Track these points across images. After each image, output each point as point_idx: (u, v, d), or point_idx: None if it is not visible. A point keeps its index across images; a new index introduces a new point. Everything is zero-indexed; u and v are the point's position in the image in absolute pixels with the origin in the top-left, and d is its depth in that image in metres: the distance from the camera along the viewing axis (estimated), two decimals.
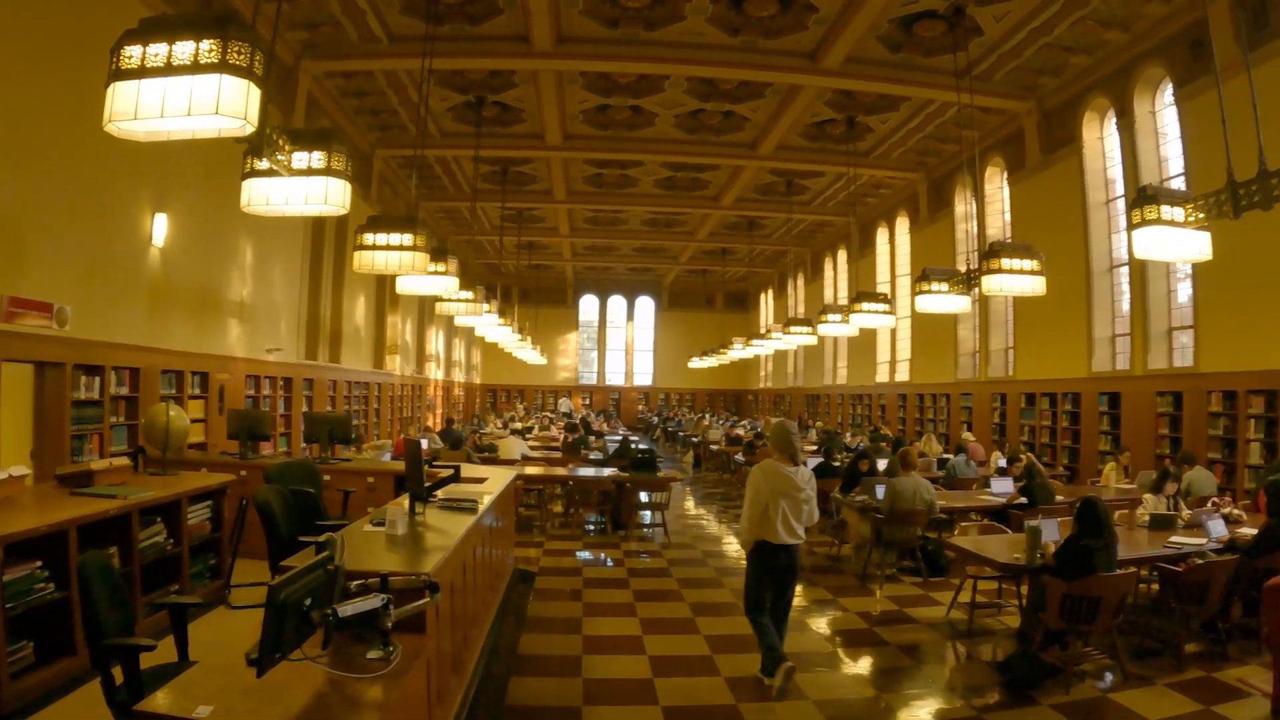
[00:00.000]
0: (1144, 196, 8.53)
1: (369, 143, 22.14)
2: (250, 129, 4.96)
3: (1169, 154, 16.81)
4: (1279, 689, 6.73)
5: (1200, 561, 8.12)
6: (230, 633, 3.91)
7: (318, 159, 6.88)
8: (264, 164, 6.58)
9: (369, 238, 10.10)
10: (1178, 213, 8.42)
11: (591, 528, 15.13)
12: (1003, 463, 15.11)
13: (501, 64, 17.42)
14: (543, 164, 25.25)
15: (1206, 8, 10.44)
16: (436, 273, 12.42)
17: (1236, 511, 10.25)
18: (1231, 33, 13.11)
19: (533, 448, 20.49)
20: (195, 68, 4.70)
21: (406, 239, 10.08)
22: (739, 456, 22.75)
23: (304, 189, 6.93)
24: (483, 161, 23.42)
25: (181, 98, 4.70)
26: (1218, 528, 9.12)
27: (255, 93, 4.87)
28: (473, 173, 24.60)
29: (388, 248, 10.09)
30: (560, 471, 15.96)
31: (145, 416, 10.99)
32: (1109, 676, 7.70)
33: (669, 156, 23.95)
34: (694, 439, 30.77)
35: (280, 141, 6.18)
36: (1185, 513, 10.18)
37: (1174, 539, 9.15)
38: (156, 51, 4.68)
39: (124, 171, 11.74)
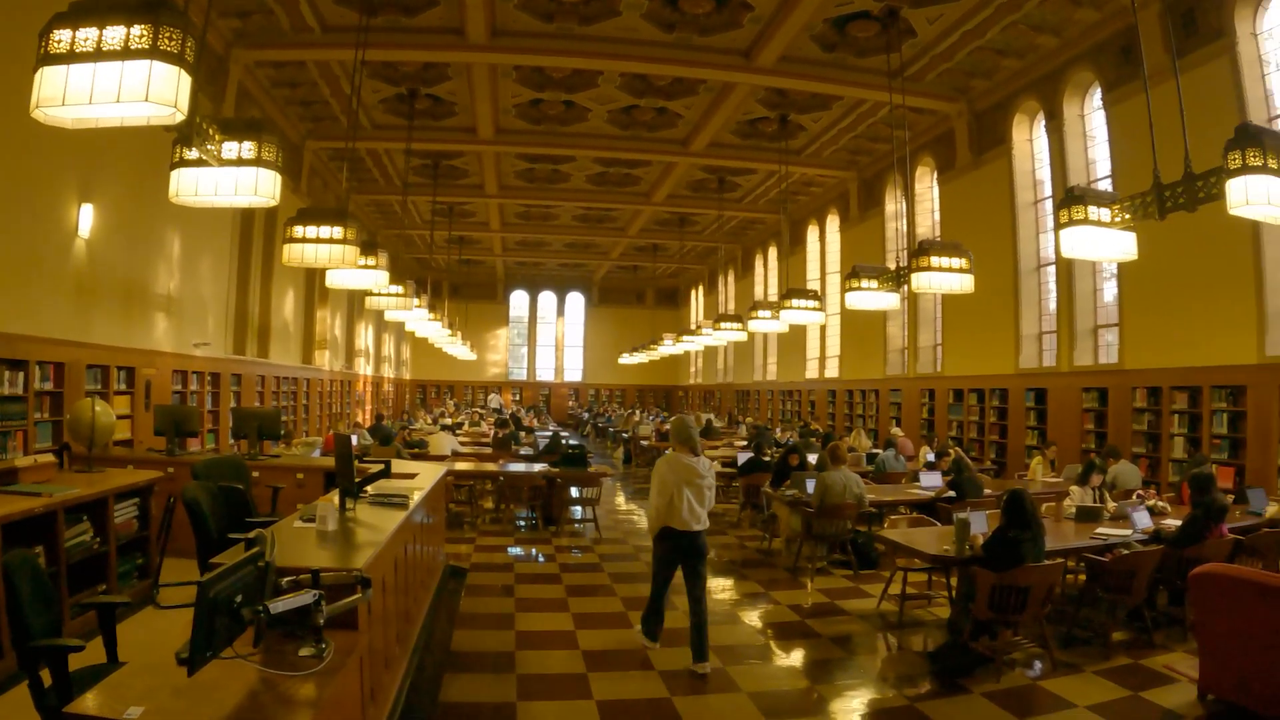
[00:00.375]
0: (1071, 197, 8.66)
1: (300, 134, 21.84)
2: (180, 117, 4.87)
3: (1097, 156, 17.13)
4: (1204, 673, 6.89)
5: (1126, 552, 8.27)
6: (160, 633, 3.84)
7: (248, 149, 6.77)
8: (193, 154, 6.47)
9: (299, 230, 9.95)
10: (1104, 213, 8.55)
11: (523, 524, 15.09)
12: (931, 457, 15.29)
13: (435, 56, 17.26)
14: (474, 158, 25.09)
15: (1136, 15, 10.64)
16: (367, 266, 12.30)
17: (1161, 504, 10.48)
18: (1160, 39, 13.38)
19: (463, 444, 20.40)
20: (126, 53, 4.60)
21: (337, 232, 9.94)
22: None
23: (234, 179, 6.82)
24: (414, 155, 23.27)
25: (111, 84, 4.60)
26: (1143, 519, 9.32)
27: (186, 80, 4.78)
28: (404, 166, 24.42)
29: (317, 240, 9.95)
30: (491, 467, 15.91)
31: (70, 412, 10.71)
32: (1038, 665, 7.83)
33: (601, 152, 23.90)
34: (624, 434, 30.78)
35: (210, 131, 6.10)
36: (1111, 505, 10.37)
37: (1100, 530, 9.34)
38: (86, 35, 4.58)
39: (50, 160, 11.45)
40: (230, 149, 6.67)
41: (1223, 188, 6.97)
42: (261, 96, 18.77)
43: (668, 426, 28.15)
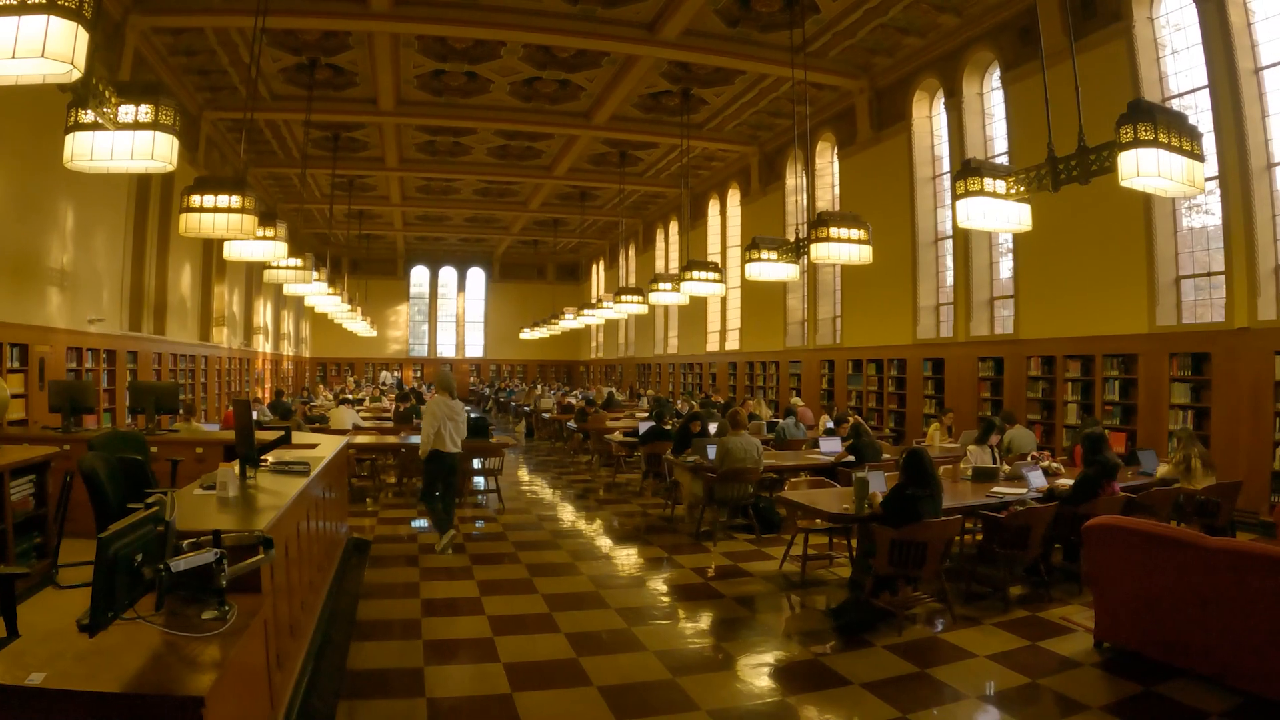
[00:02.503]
0: (968, 169, 8.84)
1: (197, 104, 21.29)
2: (77, 74, 4.77)
3: (995, 134, 17.54)
4: (1100, 621, 7.13)
5: (1021, 509, 8.51)
6: (60, 611, 3.76)
7: (145, 112, 6.63)
8: (89, 116, 6.34)
9: (196, 199, 9.74)
10: (1000, 185, 8.76)
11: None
12: (831, 425, 15.50)
13: (337, 24, 16.95)
14: (375, 130, 24.71)
15: None
16: (265, 237, 12.12)
17: (1055, 465, 10.77)
18: (1059, 21, 13.69)
19: (365, 418, 20.21)
20: (22, 7, 4.45)
21: (235, 201, 9.77)
22: (571, 424, 22.89)
23: (130, 143, 6.69)
24: (314, 126, 22.92)
25: (6, 39, 4.46)
26: (1037, 478, 9.59)
27: (84, 36, 4.66)
28: (303, 138, 24.04)
29: (215, 210, 9.73)
30: (392, 440, 15.81)
31: None
32: (939, 619, 8.02)
33: (503, 125, 23.74)
34: (526, 409, 30.77)
35: (106, 93, 5.99)
36: (1006, 467, 10.65)
37: (996, 489, 9.58)
38: None
39: None
40: (127, 112, 6.54)
41: (1115, 160, 7.19)
42: (158, 64, 18.27)
43: (569, 399, 28.36)
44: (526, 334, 42.24)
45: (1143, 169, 7.01)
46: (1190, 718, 5.79)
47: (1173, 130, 7.05)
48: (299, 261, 17.21)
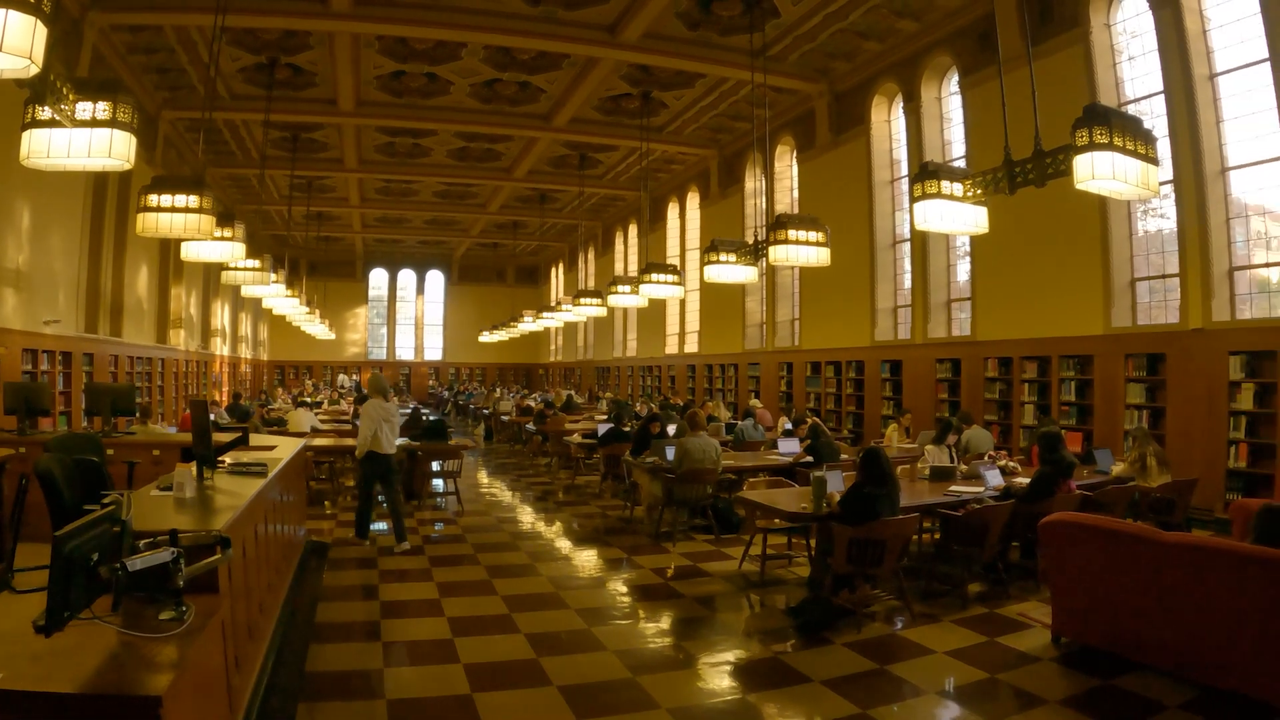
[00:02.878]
0: (926, 172, 8.92)
1: (155, 103, 21.05)
2: (35, 70, 4.73)
3: (952, 138, 17.69)
4: (1057, 617, 7.20)
5: (978, 507, 8.57)
6: (14, 616, 3.72)
7: (103, 110, 6.58)
8: (46, 113, 6.28)
9: (154, 199, 9.63)
10: (957, 188, 8.84)
11: (384, 499, 14.96)
12: (789, 426, 15.55)
13: (296, 24, 16.81)
14: (334, 131, 24.55)
15: (994, 3, 11.08)
16: (223, 238, 12.03)
17: (1012, 464, 10.87)
18: (1017, 26, 13.82)
19: (323, 421, 20.10)
20: None
21: (192, 201, 9.66)
22: (530, 426, 22.86)
23: (87, 141, 6.63)
24: (273, 127, 22.76)
25: None
26: (994, 477, 9.67)
27: (42, 31, 4.62)
28: (262, 138, 23.86)
29: (173, 210, 9.61)
30: (351, 442, 15.71)
31: None
32: (898, 616, 8.06)
33: (463, 126, 23.67)
34: (485, 411, 30.71)
35: (64, 89, 5.94)
36: (964, 466, 10.73)
37: (954, 488, 9.67)
38: None
39: None
40: (84, 109, 6.48)
41: (1070, 164, 7.27)
42: (117, 63, 18.05)
43: (528, 402, 28.33)
44: (486, 337, 42.11)
45: (1097, 172, 7.09)
46: (1147, 710, 5.85)
47: (1127, 134, 7.13)
48: (257, 263, 17.09)
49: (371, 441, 11.19)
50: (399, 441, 15.06)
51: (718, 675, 6.72)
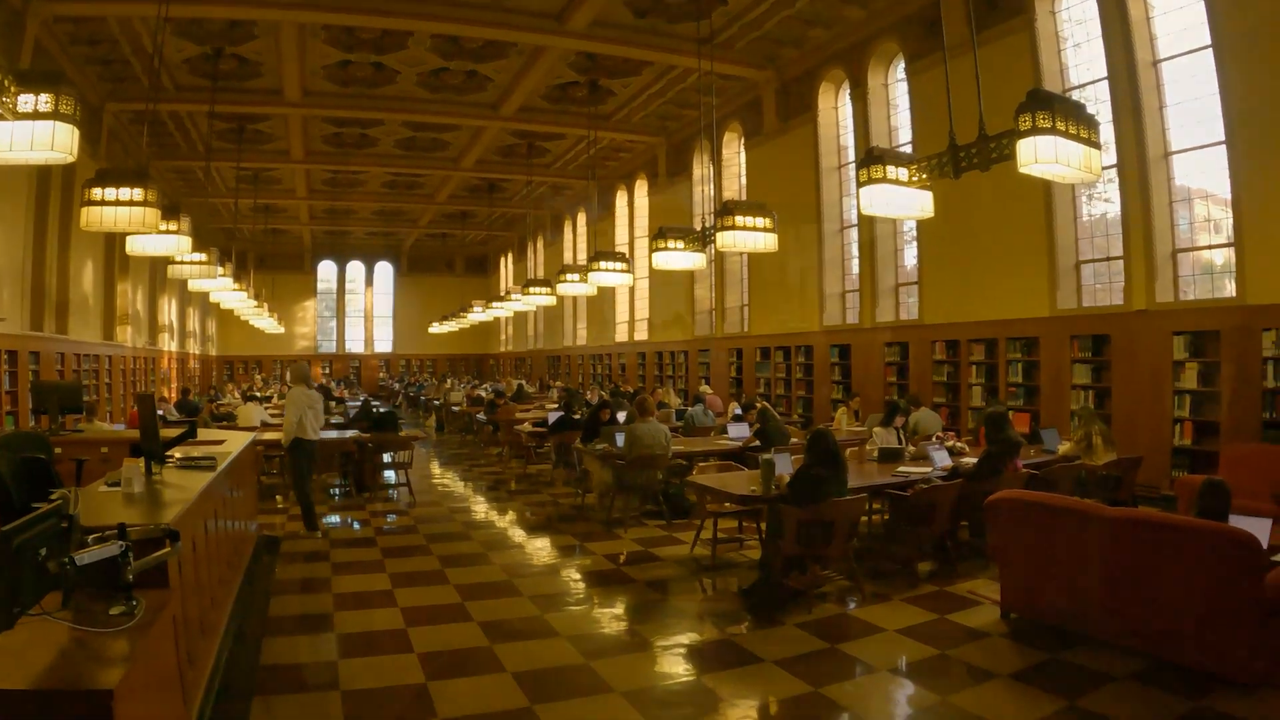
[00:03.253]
0: (871, 157, 8.96)
1: (99, 95, 20.74)
2: None
3: (899, 124, 17.82)
4: (1005, 593, 7.31)
5: (926, 487, 8.66)
6: None
7: (44, 102, 6.52)
8: None
9: (98, 192, 9.52)
10: (902, 172, 8.89)
11: (336, 492, 14.89)
12: (739, 411, 15.62)
13: (241, 13, 16.60)
14: (281, 122, 24.29)
15: None
16: (169, 231, 11.89)
17: (960, 445, 10.99)
18: (962, 13, 13.92)
19: (273, 415, 19.96)
20: None
21: (137, 194, 9.55)
22: (481, 416, 22.82)
23: (30, 134, 6.56)
24: (218, 118, 22.49)
25: None
26: (942, 457, 9.79)
27: None
28: (207, 130, 23.61)
29: (117, 203, 9.48)
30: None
31: None
32: (848, 596, 8.13)
33: (411, 116, 23.51)
34: (436, 402, 30.62)
35: (5, 82, 5.88)
36: (912, 448, 10.83)
37: (902, 469, 9.76)
38: None
39: None
40: (26, 101, 6.42)
41: (1014, 148, 7.33)
42: (59, 54, 17.73)
43: (479, 392, 28.27)
44: (436, 328, 41.90)
45: (1040, 156, 7.15)
46: (1096, 681, 5.94)
47: (1070, 118, 7.20)
48: (204, 256, 16.92)
49: (297, 428, 11.39)
50: (349, 434, 15.07)
51: (671, 658, 6.75)
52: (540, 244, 39.87)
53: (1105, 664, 6.19)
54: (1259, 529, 5.90)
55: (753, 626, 7.37)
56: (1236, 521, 5.96)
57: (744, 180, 23.35)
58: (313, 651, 6.88)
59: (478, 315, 34.42)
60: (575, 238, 35.74)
